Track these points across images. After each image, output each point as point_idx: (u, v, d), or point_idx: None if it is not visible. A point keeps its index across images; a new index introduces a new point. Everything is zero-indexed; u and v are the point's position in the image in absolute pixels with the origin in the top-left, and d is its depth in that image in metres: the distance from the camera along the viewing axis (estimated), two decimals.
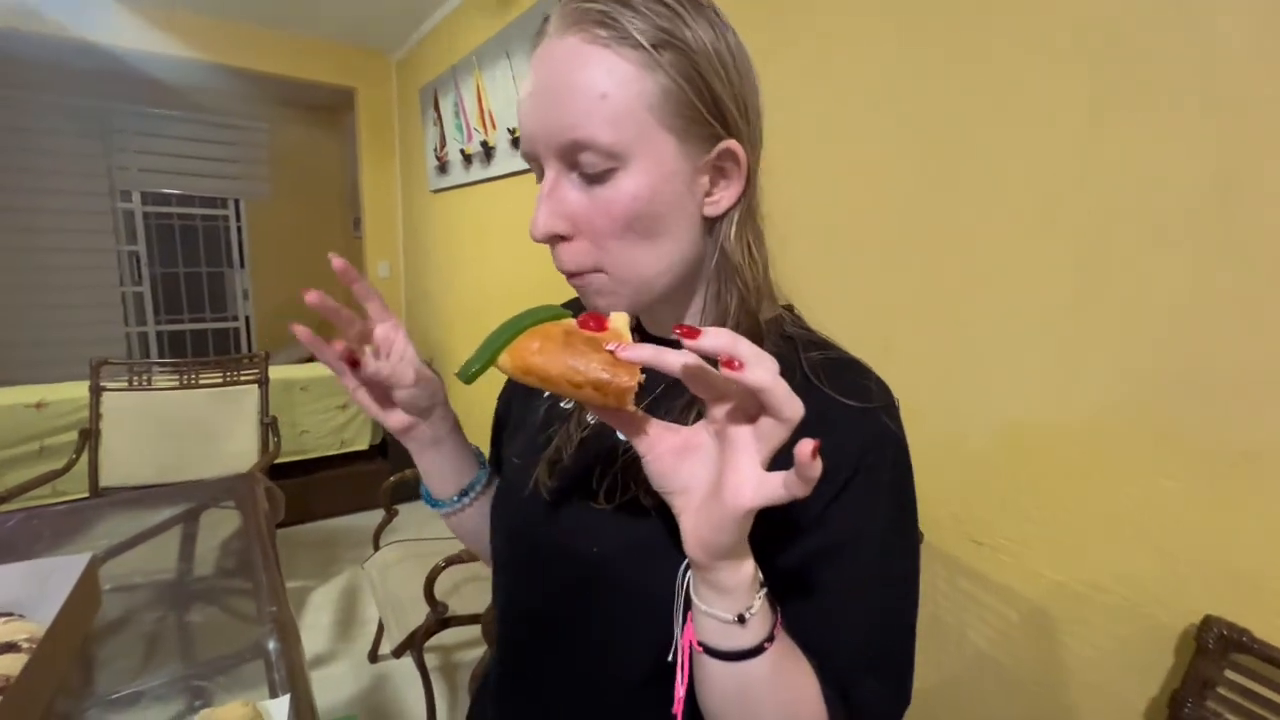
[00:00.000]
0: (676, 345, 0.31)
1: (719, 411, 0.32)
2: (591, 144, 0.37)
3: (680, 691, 0.38)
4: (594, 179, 0.38)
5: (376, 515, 2.78)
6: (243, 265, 4.44)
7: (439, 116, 2.65)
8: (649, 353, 0.31)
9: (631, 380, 0.31)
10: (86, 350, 3.79)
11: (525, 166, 2.05)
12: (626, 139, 0.37)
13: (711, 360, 0.30)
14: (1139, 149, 0.74)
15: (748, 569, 0.34)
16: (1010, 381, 0.88)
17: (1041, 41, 0.81)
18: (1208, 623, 0.68)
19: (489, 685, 0.59)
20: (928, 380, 0.96)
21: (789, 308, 0.49)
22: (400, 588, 1.59)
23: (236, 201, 4.34)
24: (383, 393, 0.50)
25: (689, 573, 0.37)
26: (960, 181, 0.91)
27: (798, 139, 1.06)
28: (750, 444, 0.30)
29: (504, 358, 0.34)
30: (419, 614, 1.44)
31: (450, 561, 1.37)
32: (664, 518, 0.41)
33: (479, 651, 1.83)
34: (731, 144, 0.40)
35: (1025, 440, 0.87)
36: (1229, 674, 0.67)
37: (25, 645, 0.81)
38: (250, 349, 4.51)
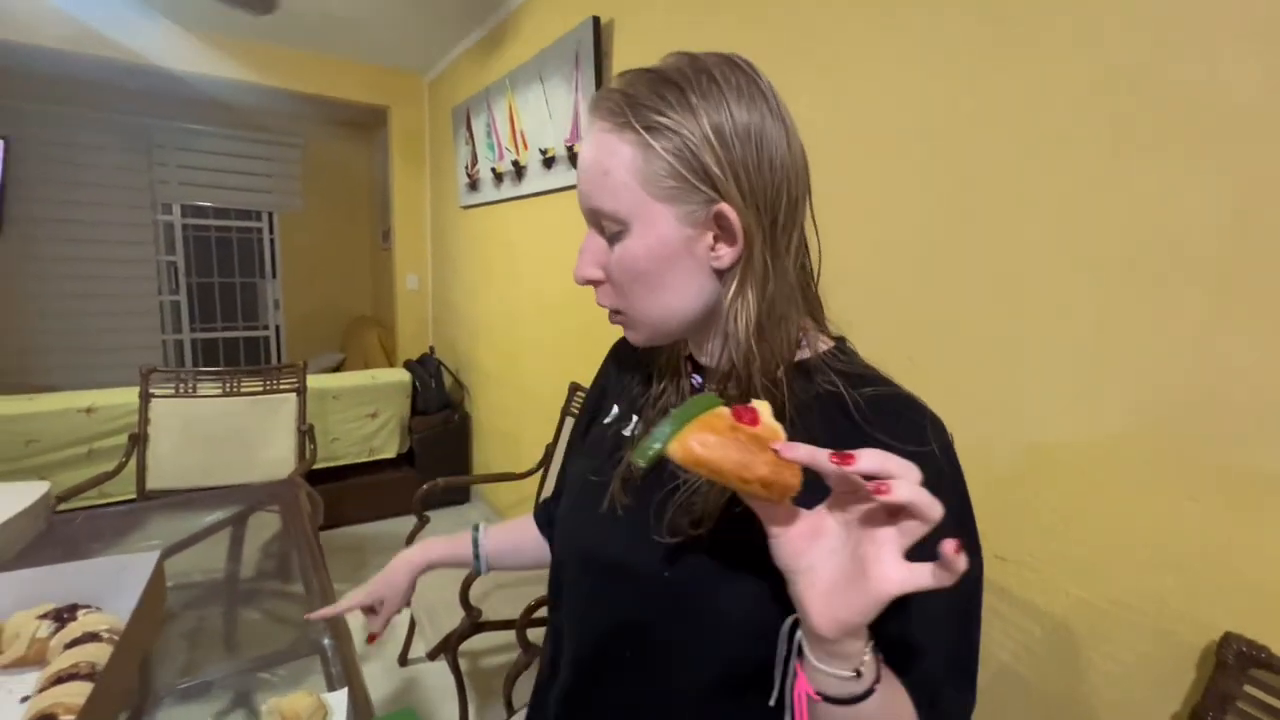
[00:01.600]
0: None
1: (857, 509, 0.35)
2: (601, 211, 0.46)
3: None
4: (612, 239, 0.47)
5: (404, 522, 2.86)
6: (274, 276, 4.58)
7: (471, 135, 2.74)
8: (806, 454, 0.34)
9: (796, 480, 0.35)
10: (126, 357, 3.97)
11: (557, 185, 2.13)
12: (625, 208, 0.45)
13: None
14: (1160, 183, 0.77)
15: (860, 640, 0.37)
16: (1035, 401, 0.92)
17: (1066, 79, 0.86)
18: (1227, 639, 0.71)
19: (547, 700, 0.62)
20: (952, 399, 1.00)
21: (841, 340, 0.53)
22: (433, 592, 1.64)
23: (269, 214, 4.49)
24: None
25: (797, 630, 0.40)
26: (986, 210, 0.96)
27: (830, 169, 1.11)
28: (893, 539, 0.33)
29: (674, 447, 0.35)
30: (452, 618, 1.49)
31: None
32: (724, 545, 0.45)
33: (509, 656, 1.87)
34: (722, 207, 0.44)
35: (1049, 458, 0.90)
36: (1248, 689, 0.70)
37: (106, 635, 0.87)
38: (280, 357, 4.64)
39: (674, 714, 0.50)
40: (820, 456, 0.34)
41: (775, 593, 0.41)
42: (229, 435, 2.11)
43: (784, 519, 0.38)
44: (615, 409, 0.62)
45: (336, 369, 4.00)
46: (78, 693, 0.76)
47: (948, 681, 0.44)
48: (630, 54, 1.77)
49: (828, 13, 1.18)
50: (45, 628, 0.89)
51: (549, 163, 2.14)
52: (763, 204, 0.44)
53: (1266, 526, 0.70)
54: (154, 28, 2.69)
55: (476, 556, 0.79)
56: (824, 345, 0.51)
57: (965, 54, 0.97)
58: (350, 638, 0.98)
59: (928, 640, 0.43)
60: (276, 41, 2.94)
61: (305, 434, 2.17)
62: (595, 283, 0.50)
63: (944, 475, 0.43)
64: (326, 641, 0.97)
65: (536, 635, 1.36)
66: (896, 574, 0.33)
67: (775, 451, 0.34)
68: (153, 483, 2.02)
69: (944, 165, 1.01)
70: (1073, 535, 0.88)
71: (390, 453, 2.91)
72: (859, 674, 0.37)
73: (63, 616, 0.91)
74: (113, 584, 1.01)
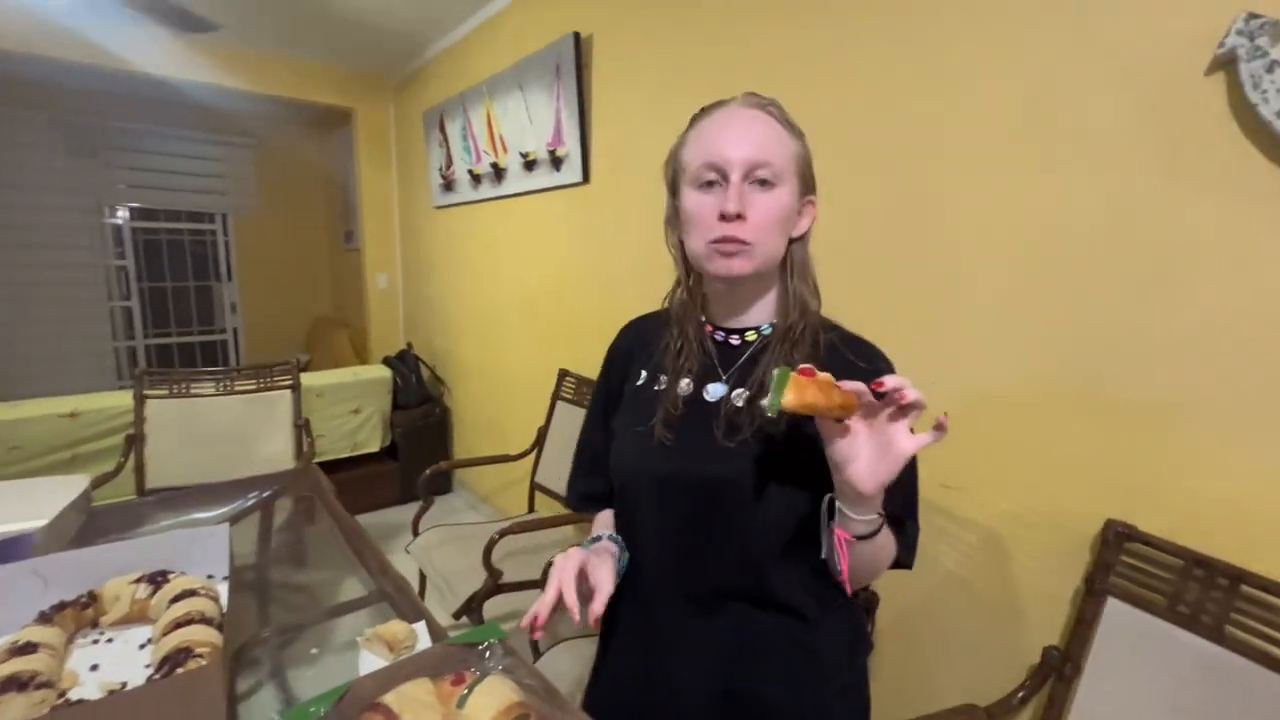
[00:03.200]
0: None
1: (876, 414, 0.56)
2: (770, 164, 0.65)
3: (845, 569, 0.61)
4: (764, 185, 0.66)
5: (392, 512, 2.96)
6: (230, 279, 4.51)
7: (445, 138, 2.84)
8: (856, 386, 0.55)
9: (854, 402, 0.55)
10: (73, 364, 3.86)
11: (540, 186, 2.28)
12: (785, 171, 0.66)
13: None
14: (1050, 189, 1.02)
15: (883, 493, 0.59)
16: (966, 360, 1.16)
17: (984, 109, 1.09)
18: (1108, 524, 0.96)
19: (629, 602, 0.79)
20: (905, 360, 1.22)
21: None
22: (447, 563, 1.79)
23: (223, 216, 4.41)
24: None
25: (835, 502, 0.62)
26: (927, 208, 1.19)
27: (822, 186, 1.33)
28: (903, 424, 0.55)
29: (788, 400, 0.53)
30: (471, 583, 1.64)
31: (503, 534, 1.58)
32: (760, 453, 0.66)
33: (524, 616, 2.02)
34: (813, 197, 0.71)
35: (979, 403, 1.14)
36: (1123, 558, 0.95)
37: (203, 591, 0.99)
38: (239, 361, 4.57)
39: (742, 578, 0.70)
40: (862, 386, 0.55)
41: (796, 481, 0.65)
42: (226, 433, 2.17)
43: (840, 432, 0.58)
44: (644, 374, 0.81)
45: (304, 370, 4.00)
46: (198, 633, 0.89)
47: (909, 514, 0.69)
48: (610, 67, 1.95)
49: (783, 36, 1.39)
50: (143, 590, 1.00)
51: (530, 165, 2.29)
52: (814, 201, 0.72)
53: (1133, 438, 0.96)
54: (102, 25, 2.64)
55: (623, 549, 0.80)
56: (816, 306, 0.74)
57: (901, 80, 1.20)
58: (409, 584, 1.13)
59: (896, 489, 0.65)
60: (236, 43, 2.94)
61: (301, 428, 2.25)
62: (740, 217, 0.64)
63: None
64: (389, 589, 1.12)
65: None
66: (910, 442, 0.55)
67: (838, 388, 0.55)
68: (152, 481, 2.06)
69: (889, 173, 1.24)
70: (998, 460, 1.12)
71: (374, 447, 3.00)
72: (879, 516, 0.60)
73: (156, 580, 1.02)
74: (185, 553, 1.13)
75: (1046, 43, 1.01)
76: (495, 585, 1.58)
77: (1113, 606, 0.95)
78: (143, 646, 0.92)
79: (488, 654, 0.83)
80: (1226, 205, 0.86)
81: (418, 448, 3.05)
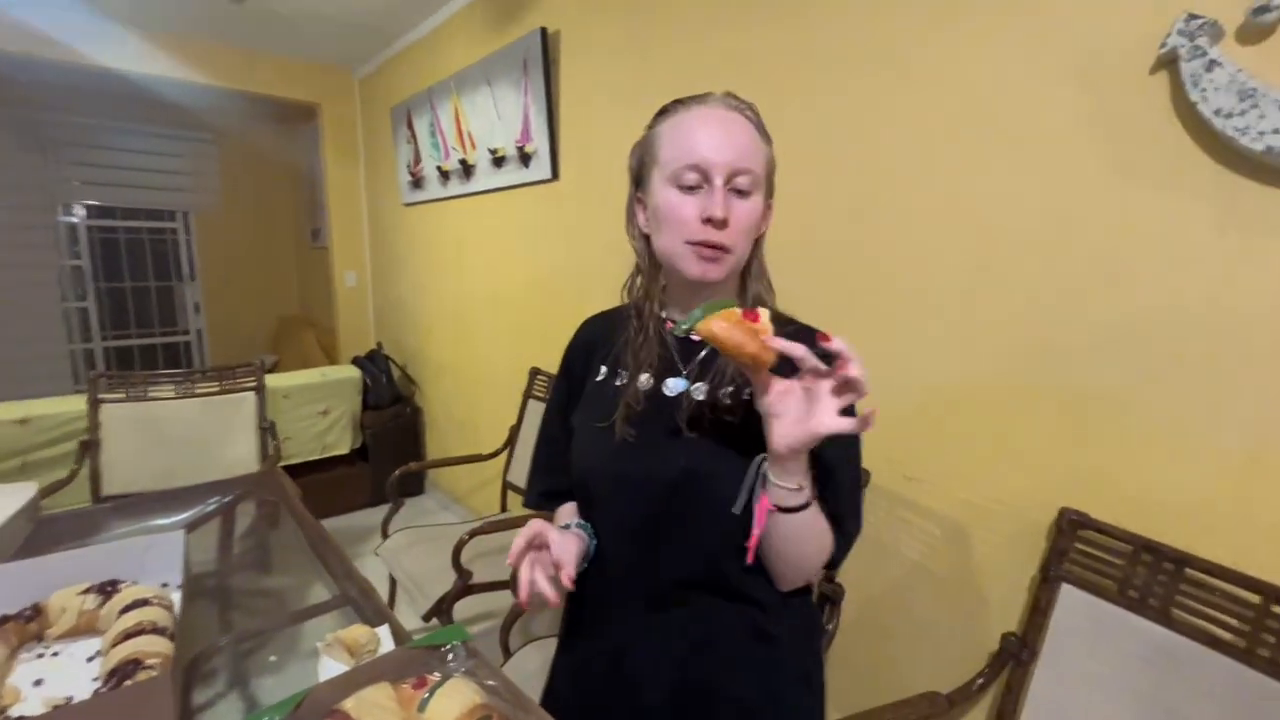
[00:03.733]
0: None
1: (812, 377, 0.57)
2: (751, 171, 0.66)
3: (755, 534, 0.62)
4: (741, 193, 0.66)
5: (363, 515, 2.92)
6: (193, 278, 4.39)
7: (413, 134, 2.80)
8: (783, 344, 0.55)
9: (771, 358, 0.56)
10: (25, 369, 3.71)
11: (509, 183, 2.26)
12: (761, 178, 0.67)
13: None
14: (998, 188, 1.04)
15: (802, 461, 0.60)
16: (926, 356, 1.17)
17: (947, 99, 1.11)
18: (1063, 512, 0.99)
19: (590, 595, 0.79)
20: (867, 356, 1.23)
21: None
22: (417, 565, 1.76)
23: (185, 214, 4.28)
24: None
25: (763, 465, 0.62)
26: (885, 209, 1.21)
27: (785, 184, 1.33)
28: (834, 401, 0.55)
29: (701, 326, 0.55)
30: (441, 585, 1.62)
31: (473, 534, 1.57)
32: (715, 443, 0.66)
33: (494, 620, 2.00)
34: (772, 200, 0.71)
35: (940, 398, 1.16)
36: (1077, 545, 0.97)
37: (155, 600, 0.97)
38: (203, 363, 4.45)
39: (698, 563, 0.70)
40: (794, 347, 0.55)
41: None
42: (187, 437, 2.11)
43: (768, 382, 0.59)
44: (603, 369, 0.81)
45: (271, 371, 3.91)
46: (150, 643, 0.86)
47: (848, 511, 0.70)
48: (576, 63, 1.94)
49: (748, 34, 1.40)
50: (91, 600, 0.97)
51: (499, 162, 2.27)
52: (773, 204, 0.73)
53: (1085, 428, 0.98)
54: (53, 16, 2.55)
55: (591, 535, 0.79)
56: (770, 299, 0.75)
57: (861, 79, 1.21)
58: (374, 589, 1.11)
59: (836, 489, 0.68)
60: (195, 36, 2.86)
61: (267, 431, 2.20)
62: (727, 223, 0.65)
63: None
64: (354, 593, 1.10)
65: None
66: (831, 421, 0.56)
67: (761, 342, 0.56)
68: (108, 488, 2.00)
69: (849, 172, 1.25)
70: (960, 452, 1.14)
71: (344, 449, 2.94)
72: (801, 488, 0.61)
73: (106, 590, 0.99)
74: (139, 562, 1.09)
75: (1001, 42, 1.03)
76: (465, 586, 1.56)
77: (1067, 592, 0.98)
78: (91, 659, 0.89)
79: (450, 656, 0.82)
80: (1169, 201, 0.88)
81: (389, 449, 3.01)
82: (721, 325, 0.55)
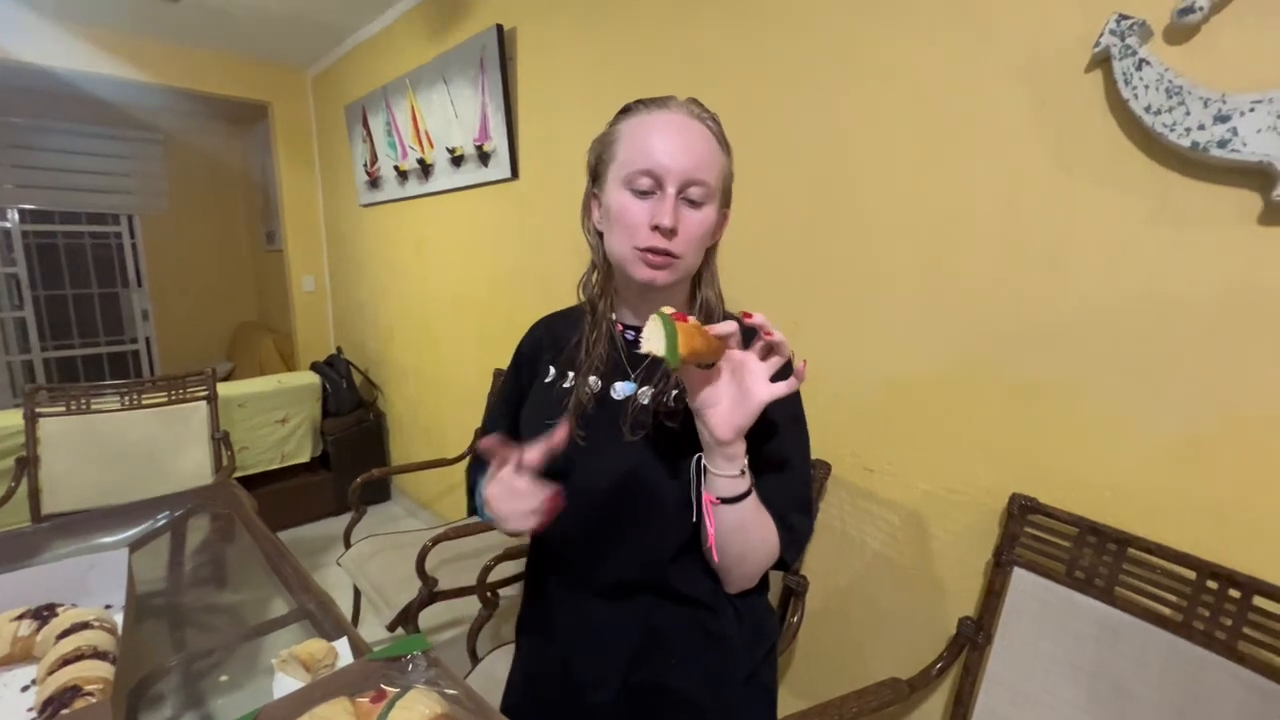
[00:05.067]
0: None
1: (739, 359, 0.59)
2: (704, 183, 0.65)
3: (711, 532, 0.62)
4: (693, 204, 0.66)
5: (325, 525, 2.85)
6: (140, 284, 4.21)
7: (369, 133, 2.73)
8: (719, 328, 0.57)
9: (725, 346, 0.59)
10: None
11: (468, 182, 2.23)
12: (715, 188, 0.66)
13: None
14: (954, 180, 1.07)
15: (743, 444, 0.61)
16: (885, 350, 1.20)
17: (898, 97, 1.13)
18: (1013, 498, 1.02)
19: (541, 598, 0.79)
20: (828, 352, 1.26)
21: None
22: (381, 574, 1.73)
23: (130, 217, 4.11)
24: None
25: (702, 460, 0.63)
26: (842, 207, 1.22)
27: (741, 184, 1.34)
28: (763, 370, 0.59)
29: (684, 348, 0.54)
30: (406, 593, 1.59)
31: (436, 541, 1.54)
32: (659, 441, 0.66)
33: (459, 627, 1.97)
34: (728, 210, 0.71)
35: (896, 391, 1.19)
36: (1027, 529, 1.01)
37: (97, 623, 0.92)
38: (153, 372, 4.28)
39: (650, 559, 0.71)
40: (730, 325, 0.58)
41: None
42: (134, 450, 2.02)
43: (705, 379, 0.60)
44: (552, 370, 0.80)
45: (227, 379, 3.78)
46: (90, 669, 0.82)
47: (794, 509, 0.69)
48: (533, 60, 1.91)
49: (705, 33, 1.40)
50: (26, 626, 0.93)
51: (458, 161, 2.23)
52: (728, 213, 0.74)
53: (1035, 417, 1.01)
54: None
55: None
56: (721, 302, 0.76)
57: (816, 77, 1.23)
58: (334, 602, 1.08)
59: (780, 483, 0.69)
60: (132, 31, 2.73)
61: (220, 441, 2.13)
62: (673, 232, 0.65)
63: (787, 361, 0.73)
64: (312, 607, 1.07)
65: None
66: (767, 389, 0.58)
67: (708, 333, 0.57)
68: (49, 507, 1.90)
69: (806, 168, 1.27)
70: (919, 443, 1.17)
71: (304, 457, 2.86)
72: (743, 472, 0.61)
73: (42, 614, 0.94)
74: (80, 583, 1.04)
75: (948, 41, 1.05)
76: (430, 594, 1.53)
77: (1018, 575, 1.01)
78: (25, 689, 0.85)
79: (410, 667, 0.81)
80: (1106, 195, 0.92)
81: (351, 456, 2.94)
82: (693, 338, 0.55)
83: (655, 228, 0.64)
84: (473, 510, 0.82)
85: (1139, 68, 0.84)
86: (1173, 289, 0.87)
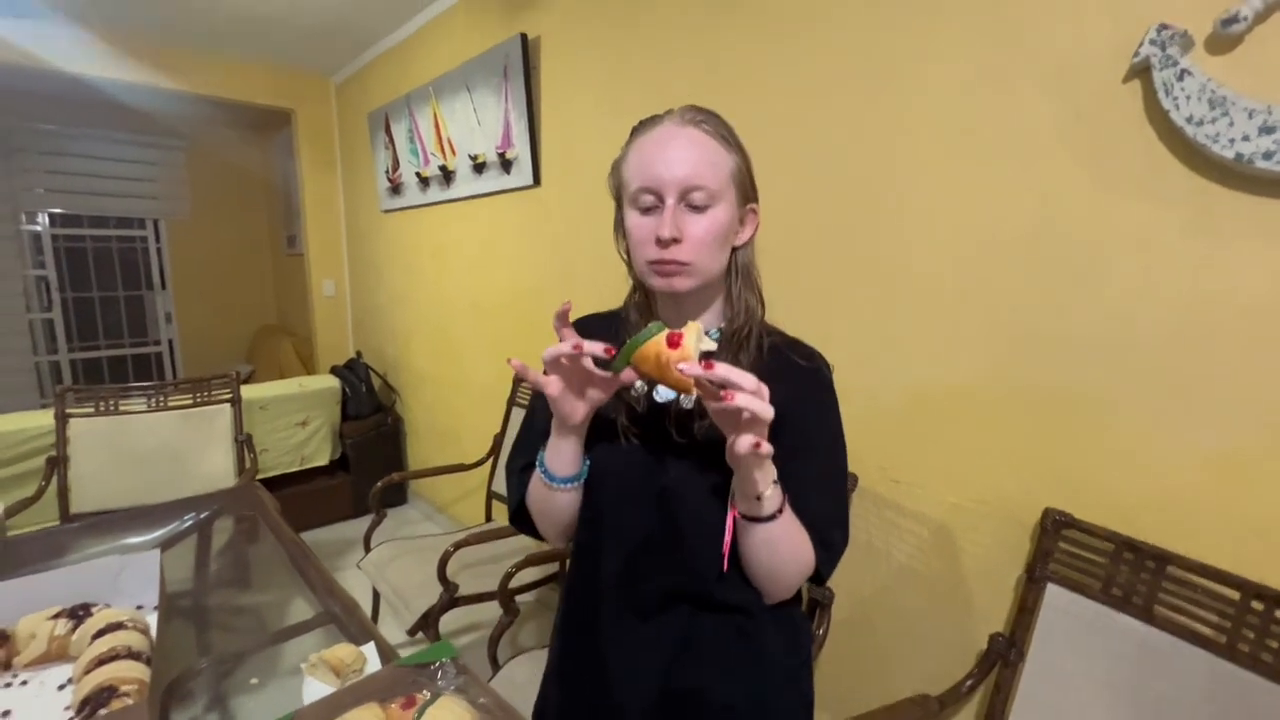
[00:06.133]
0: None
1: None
2: (704, 187, 0.64)
3: (727, 540, 0.62)
4: (699, 208, 0.65)
5: (344, 527, 2.86)
6: (164, 287, 4.28)
7: (391, 140, 2.76)
8: (690, 370, 0.54)
9: (688, 384, 0.55)
10: None
11: (490, 189, 2.24)
12: (720, 190, 0.66)
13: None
14: (988, 188, 1.06)
15: (765, 472, 0.60)
16: (913, 360, 1.19)
17: (930, 105, 1.13)
18: (1047, 512, 1.00)
19: (579, 606, 0.79)
20: (857, 363, 1.25)
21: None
22: (402, 578, 1.73)
23: (155, 221, 4.18)
24: (579, 389, 0.66)
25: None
26: (872, 213, 1.22)
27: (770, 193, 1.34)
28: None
29: (633, 362, 0.57)
30: (426, 598, 1.60)
31: (458, 546, 1.55)
32: (709, 448, 0.65)
33: (480, 631, 1.97)
34: (754, 205, 0.70)
35: (926, 402, 1.18)
36: (1061, 545, 0.99)
37: (130, 624, 0.93)
38: (176, 374, 4.34)
39: (681, 581, 0.70)
40: (697, 369, 0.54)
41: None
42: (160, 452, 2.05)
43: (707, 399, 0.58)
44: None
45: (247, 381, 3.83)
46: (124, 669, 0.83)
47: (833, 525, 0.69)
48: (557, 69, 1.93)
49: (730, 39, 1.40)
50: (62, 626, 0.94)
51: (480, 168, 2.25)
52: (756, 209, 0.72)
53: (1069, 429, 1.00)
54: (11, 19, 2.46)
55: (581, 473, 0.75)
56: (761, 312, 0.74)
57: (845, 85, 1.22)
58: (359, 606, 1.09)
59: (818, 499, 0.68)
60: (162, 39, 2.79)
61: (244, 444, 2.15)
62: (675, 241, 0.65)
63: (825, 375, 0.73)
64: (338, 610, 1.07)
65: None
66: (742, 443, 0.55)
67: (678, 370, 0.54)
68: (77, 506, 1.94)
69: (833, 176, 1.26)
70: (947, 455, 1.15)
71: (323, 460, 2.89)
72: (760, 499, 0.60)
73: (77, 614, 0.95)
74: (111, 583, 1.06)
75: (985, 52, 1.05)
76: (451, 599, 1.54)
77: (1052, 592, 0.99)
78: (62, 688, 0.86)
79: (440, 674, 0.81)
80: (1143, 207, 0.90)
81: (370, 459, 2.96)
82: (645, 365, 0.56)
83: (658, 241, 0.65)
84: (514, 515, 0.81)
85: (1180, 78, 0.83)
86: (1213, 301, 0.85)
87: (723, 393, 0.53)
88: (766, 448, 0.55)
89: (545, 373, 0.65)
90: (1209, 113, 0.81)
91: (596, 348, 0.59)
